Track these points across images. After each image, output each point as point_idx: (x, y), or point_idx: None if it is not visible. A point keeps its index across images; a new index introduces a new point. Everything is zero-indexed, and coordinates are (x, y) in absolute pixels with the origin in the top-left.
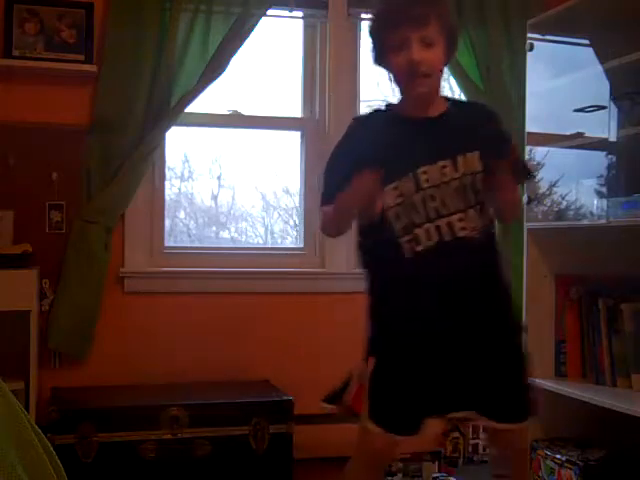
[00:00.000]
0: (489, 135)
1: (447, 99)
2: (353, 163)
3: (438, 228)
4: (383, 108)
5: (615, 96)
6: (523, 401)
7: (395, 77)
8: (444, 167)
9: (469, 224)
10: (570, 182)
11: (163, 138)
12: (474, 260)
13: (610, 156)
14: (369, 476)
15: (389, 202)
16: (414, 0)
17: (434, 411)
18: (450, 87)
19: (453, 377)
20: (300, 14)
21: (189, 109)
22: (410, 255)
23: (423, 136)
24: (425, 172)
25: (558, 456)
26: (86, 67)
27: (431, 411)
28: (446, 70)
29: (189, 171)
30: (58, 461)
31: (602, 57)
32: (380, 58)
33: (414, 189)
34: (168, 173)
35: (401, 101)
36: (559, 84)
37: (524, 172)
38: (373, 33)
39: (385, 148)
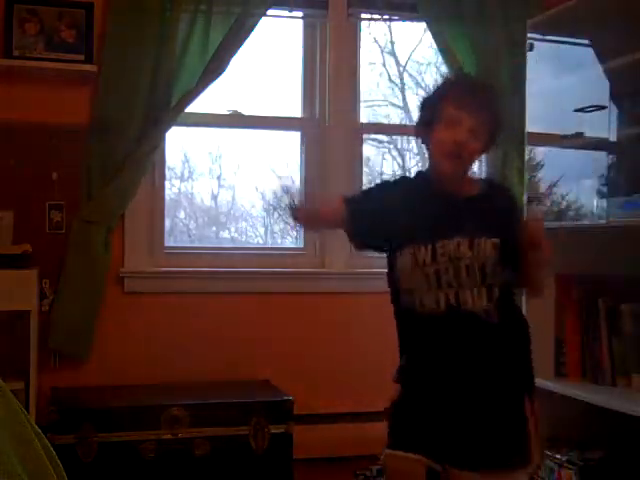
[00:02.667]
0: (510, 226)
1: (481, 181)
2: (381, 201)
3: (447, 297)
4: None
5: (615, 96)
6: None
7: (431, 150)
8: (459, 244)
9: (478, 301)
10: (570, 182)
11: (163, 138)
12: (481, 337)
13: (610, 156)
14: None
15: (404, 265)
16: (478, 90)
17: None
18: None
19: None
20: (300, 14)
21: (189, 109)
22: (417, 314)
23: (448, 213)
24: (442, 246)
25: (558, 456)
26: (86, 67)
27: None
28: (446, 70)
29: (189, 171)
30: (58, 461)
31: (602, 57)
32: (423, 128)
33: (430, 259)
34: (168, 173)
35: (430, 173)
36: (559, 84)
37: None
38: (428, 104)
39: (412, 214)
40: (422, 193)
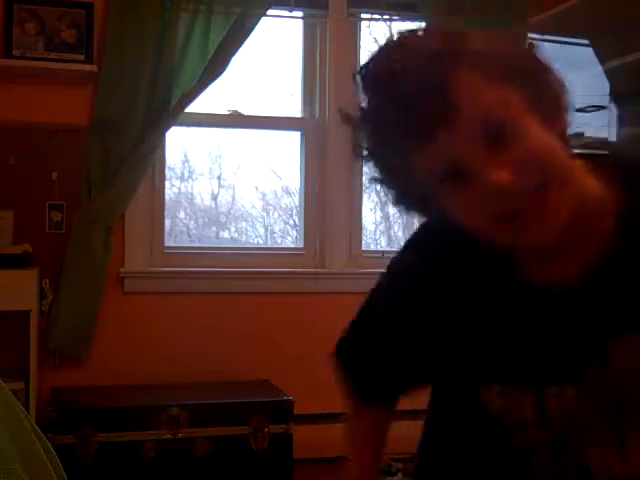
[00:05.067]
0: None
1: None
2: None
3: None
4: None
5: (615, 96)
6: None
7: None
8: (586, 371)
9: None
10: None
11: (163, 138)
12: None
13: None
14: None
15: (492, 402)
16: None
17: None
18: None
19: None
20: (300, 14)
21: (189, 109)
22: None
23: (549, 319)
24: (558, 391)
25: None
26: (86, 67)
27: None
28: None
29: (189, 171)
30: (58, 461)
31: (602, 57)
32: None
33: (533, 413)
34: (168, 173)
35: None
36: None
37: None
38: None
39: (481, 320)
40: (491, 282)
